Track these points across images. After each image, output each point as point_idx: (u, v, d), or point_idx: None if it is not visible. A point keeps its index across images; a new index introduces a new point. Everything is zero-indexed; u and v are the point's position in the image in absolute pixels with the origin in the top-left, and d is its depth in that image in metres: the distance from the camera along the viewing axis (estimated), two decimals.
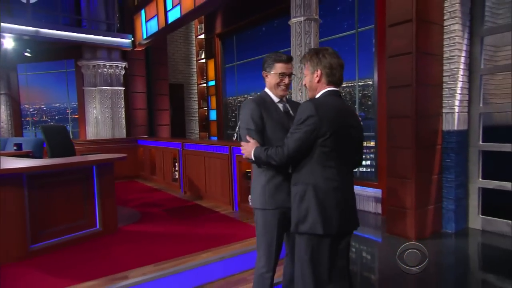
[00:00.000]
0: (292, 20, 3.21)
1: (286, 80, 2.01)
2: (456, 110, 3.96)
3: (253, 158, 1.87)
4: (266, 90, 2.08)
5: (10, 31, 6.44)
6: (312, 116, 1.67)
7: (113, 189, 3.79)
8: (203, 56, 9.82)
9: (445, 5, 3.96)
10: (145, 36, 7.54)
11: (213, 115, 9.74)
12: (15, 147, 4.96)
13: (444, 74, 4.01)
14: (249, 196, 3.23)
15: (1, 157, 3.41)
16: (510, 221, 3.82)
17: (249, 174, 4.25)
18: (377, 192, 4.82)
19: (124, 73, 7.95)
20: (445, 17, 3.97)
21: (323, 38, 5.34)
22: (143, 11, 7.53)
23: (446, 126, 4.01)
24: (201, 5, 5.52)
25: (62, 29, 7.03)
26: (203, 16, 8.98)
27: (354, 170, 1.97)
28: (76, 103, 8.21)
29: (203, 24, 9.60)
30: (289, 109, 2.06)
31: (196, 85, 10.17)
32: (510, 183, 3.88)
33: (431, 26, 3.86)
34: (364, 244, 3.84)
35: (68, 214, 3.44)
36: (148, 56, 8.48)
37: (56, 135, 4.64)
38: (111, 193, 3.76)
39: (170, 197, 5.46)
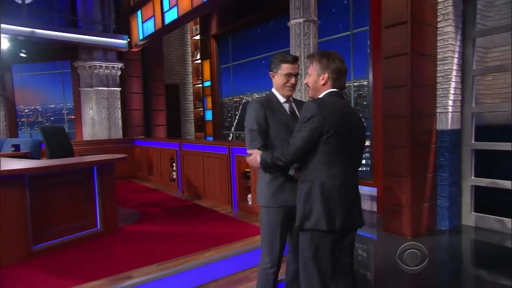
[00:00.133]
0: (292, 21, 3.27)
1: (293, 80, 2.06)
2: (450, 110, 4.05)
3: (260, 165, 1.93)
4: (273, 90, 2.13)
5: (5, 31, 6.41)
6: (315, 115, 1.71)
7: (114, 190, 3.82)
8: (198, 56, 9.86)
9: (438, 8, 4.06)
10: (141, 37, 7.55)
11: (208, 115, 9.78)
12: (12, 148, 4.95)
13: (438, 75, 4.10)
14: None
15: (1, 158, 3.41)
16: (501, 218, 3.93)
17: (248, 174, 4.30)
18: (372, 191, 4.91)
19: (120, 73, 7.96)
20: (438, 19, 4.06)
21: (318, 39, 5.42)
22: (139, 12, 7.54)
23: (440, 126, 4.11)
24: (199, 6, 5.56)
25: (58, 30, 7.02)
26: (198, 18, 9.01)
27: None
28: (72, 104, 8.19)
29: (198, 25, 9.64)
30: (295, 109, 2.11)
31: (191, 86, 10.20)
32: (503, 181, 4.00)
33: (425, 27, 3.95)
34: (361, 242, 3.91)
35: (69, 214, 3.45)
36: (144, 57, 8.50)
37: (54, 135, 4.64)
38: (112, 194, 3.79)
39: (169, 197, 5.49)
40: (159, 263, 2.85)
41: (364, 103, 5.52)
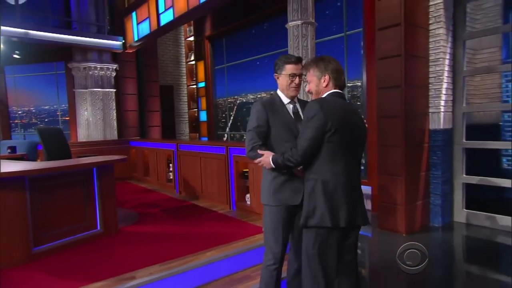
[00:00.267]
0: (290, 23, 3.33)
1: (297, 81, 2.11)
2: (442, 110, 4.17)
3: (273, 166, 1.97)
4: (278, 91, 2.19)
5: None
6: (317, 114, 1.77)
7: (113, 191, 3.84)
8: (192, 58, 9.88)
9: (430, 10, 4.17)
10: (136, 38, 7.55)
11: (203, 116, 9.82)
12: (9, 150, 4.93)
13: (430, 76, 4.22)
14: None
15: (2, 160, 3.41)
16: (491, 214, 4.06)
17: (246, 174, 4.36)
18: (366, 189, 5.00)
19: (115, 75, 7.95)
20: (430, 22, 4.17)
21: None
22: (134, 14, 7.54)
23: (432, 125, 4.22)
24: (195, 8, 5.60)
25: (52, 31, 6.98)
26: (194, 19, 9.04)
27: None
28: (67, 105, 8.14)
29: (192, 27, 9.67)
30: (299, 109, 2.16)
31: (185, 87, 10.22)
32: (492, 178, 4.13)
33: (417, 30, 4.05)
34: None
35: (69, 216, 3.45)
36: (138, 58, 8.49)
37: (52, 137, 4.64)
38: (112, 195, 3.80)
39: (166, 198, 5.51)
40: (161, 263, 2.86)
41: (358, 103, 5.62)
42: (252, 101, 8.26)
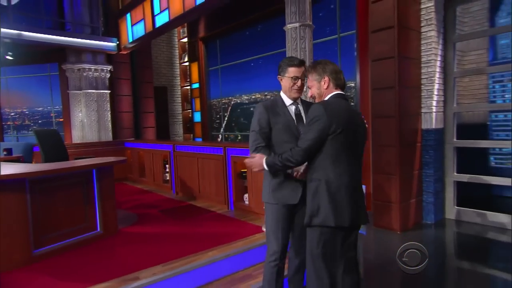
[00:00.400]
0: (288, 26, 3.40)
1: (299, 83, 2.17)
2: (434, 110, 4.28)
3: (266, 168, 2.02)
4: (281, 93, 2.26)
5: None
6: (321, 116, 1.82)
7: (113, 192, 3.86)
8: (186, 59, 9.91)
9: (421, 13, 4.28)
10: (131, 40, 7.55)
11: (197, 117, 9.86)
12: (5, 152, 4.91)
13: (422, 77, 4.33)
14: None
15: (1, 163, 3.42)
16: (481, 211, 4.18)
17: (244, 174, 4.42)
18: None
19: (110, 76, 7.93)
20: (422, 24, 4.28)
21: None
22: (128, 15, 7.54)
23: (424, 125, 4.33)
24: (191, 10, 5.63)
25: (46, 32, 6.94)
26: (190, 21, 9.06)
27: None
28: (61, 107, 8.10)
29: (185, 28, 9.69)
30: (301, 111, 2.23)
31: (179, 88, 10.24)
32: (481, 176, 4.27)
33: (410, 32, 4.16)
34: None
35: (70, 217, 3.47)
36: (133, 59, 8.48)
37: (49, 139, 4.63)
38: (111, 196, 3.82)
39: (163, 198, 5.54)
40: (164, 263, 2.88)
41: (352, 104, 5.73)
42: (247, 102, 8.32)
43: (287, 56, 3.39)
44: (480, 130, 5.19)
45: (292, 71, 2.16)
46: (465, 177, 4.36)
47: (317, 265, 1.90)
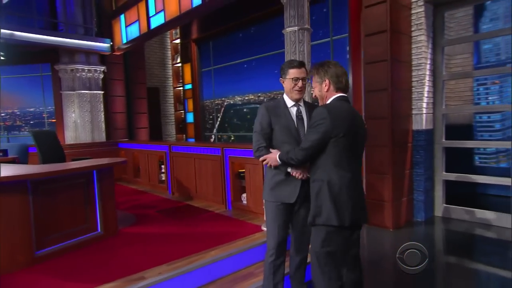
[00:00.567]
0: (287, 29, 3.48)
1: (300, 84, 2.26)
2: (424, 112, 4.46)
3: (280, 162, 2.14)
4: (284, 94, 2.35)
5: None
6: (325, 119, 1.91)
7: (113, 193, 3.87)
8: (178, 60, 9.94)
9: (412, 18, 4.45)
10: (125, 41, 7.55)
11: (190, 117, 9.90)
12: (0, 154, 4.88)
13: (413, 79, 4.50)
14: None
15: (2, 164, 3.42)
16: (469, 209, 4.37)
17: (242, 174, 4.50)
18: None
19: (103, 77, 7.91)
20: (412, 29, 4.45)
21: None
22: (122, 16, 7.53)
23: (415, 126, 4.50)
24: (187, 12, 5.68)
25: (38, 32, 6.89)
26: (185, 23, 9.08)
27: None
28: (53, 107, 8.04)
29: (178, 30, 9.72)
30: (302, 112, 2.31)
31: (172, 89, 10.25)
32: (468, 175, 4.46)
33: (401, 36, 4.32)
34: None
35: (71, 218, 3.47)
36: (126, 60, 8.47)
37: (46, 140, 4.62)
38: (111, 197, 3.83)
39: (160, 199, 5.57)
40: (168, 263, 2.90)
41: None
42: (240, 103, 8.41)
43: (285, 59, 3.49)
44: (465, 130, 5.41)
45: (292, 72, 2.25)
46: (452, 176, 4.55)
47: (321, 263, 1.98)
